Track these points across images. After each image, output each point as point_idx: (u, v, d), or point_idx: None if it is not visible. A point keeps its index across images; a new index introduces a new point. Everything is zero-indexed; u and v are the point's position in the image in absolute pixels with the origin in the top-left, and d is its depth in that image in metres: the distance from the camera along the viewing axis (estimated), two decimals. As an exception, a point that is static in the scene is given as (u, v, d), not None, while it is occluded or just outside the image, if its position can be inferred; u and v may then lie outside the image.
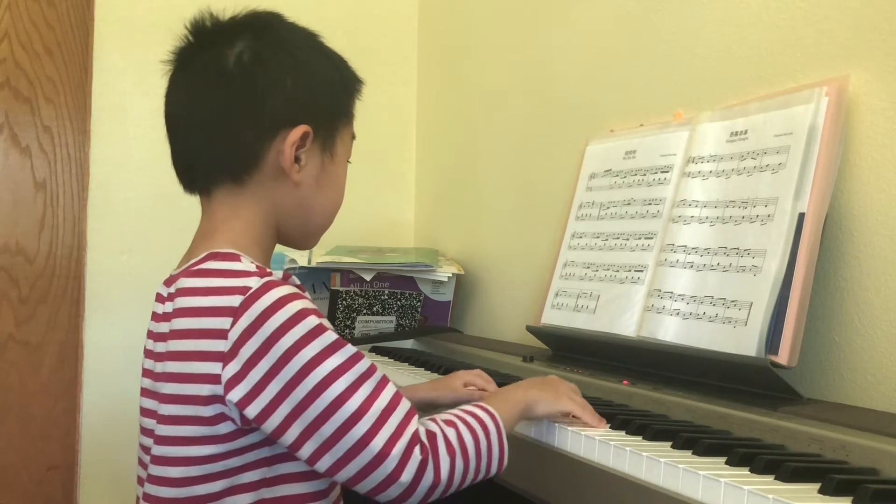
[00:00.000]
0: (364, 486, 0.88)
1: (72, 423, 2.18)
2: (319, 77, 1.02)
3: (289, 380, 0.86)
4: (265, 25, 1.02)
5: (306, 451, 0.87)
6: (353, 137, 1.08)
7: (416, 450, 0.87)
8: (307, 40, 1.04)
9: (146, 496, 0.94)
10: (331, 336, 0.89)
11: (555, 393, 1.02)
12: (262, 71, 0.98)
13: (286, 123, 0.98)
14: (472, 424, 0.92)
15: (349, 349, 0.89)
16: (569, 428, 0.96)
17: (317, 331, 0.88)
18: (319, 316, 0.90)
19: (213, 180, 1.00)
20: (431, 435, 0.89)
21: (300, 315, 0.88)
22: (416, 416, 0.89)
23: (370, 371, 0.89)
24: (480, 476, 0.92)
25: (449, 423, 0.92)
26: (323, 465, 0.87)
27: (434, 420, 0.92)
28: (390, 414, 0.87)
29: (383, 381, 0.90)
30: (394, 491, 0.87)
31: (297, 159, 0.99)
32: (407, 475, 0.86)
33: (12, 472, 2.15)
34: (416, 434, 0.88)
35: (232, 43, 0.99)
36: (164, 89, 1.04)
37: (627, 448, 0.85)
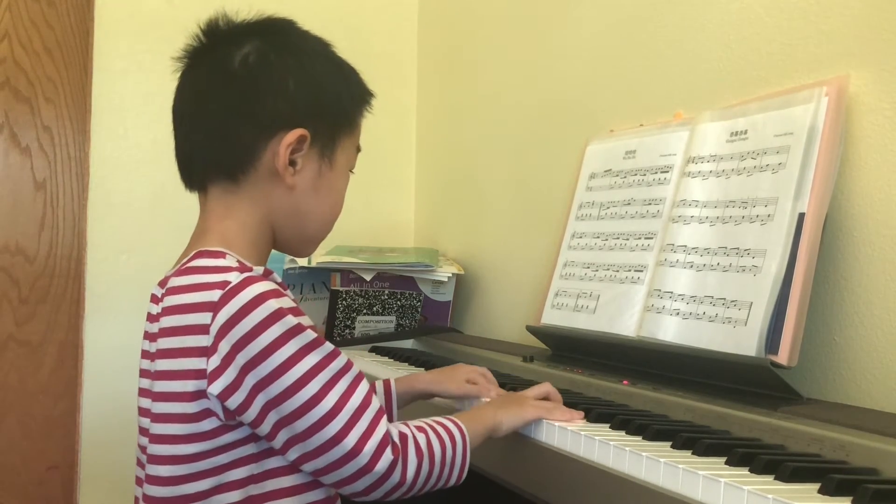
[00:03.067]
0: (330, 478, 0.91)
1: (72, 423, 2.18)
2: (324, 84, 1.02)
3: (264, 376, 0.88)
4: (276, 30, 1.04)
5: (279, 441, 0.90)
6: (359, 150, 1.08)
7: (388, 449, 0.89)
8: (317, 47, 1.05)
9: (145, 497, 0.95)
10: (308, 335, 0.90)
11: (519, 406, 1.04)
12: (265, 72, 0.99)
13: (285, 125, 0.99)
14: (441, 434, 0.95)
15: (326, 347, 0.91)
16: (569, 428, 0.96)
17: (294, 330, 0.89)
18: (297, 314, 0.91)
19: (209, 177, 1.01)
20: (403, 436, 0.92)
21: (278, 314, 0.89)
22: (385, 416, 0.92)
23: (345, 368, 0.91)
24: (440, 484, 0.95)
25: (420, 428, 0.95)
26: (292, 455, 0.91)
27: (406, 424, 0.95)
28: (363, 413, 0.90)
29: (358, 379, 0.92)
30: (360, 484, 0.90)
31: (292, 163, 1.00)
32: (378, 470, 0.89)
33: (12, 472, 2.15)
34: (387, 433, 0.90)
35: (241, 44, 1.00)
36: (171, 85, 1.05)
37: (627, 448, 0.85)
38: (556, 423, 0.99)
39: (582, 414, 1.03)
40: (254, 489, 0.92)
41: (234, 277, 0.91)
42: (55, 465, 2.18)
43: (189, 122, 1.02)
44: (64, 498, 2.18)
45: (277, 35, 1.03)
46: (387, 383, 1.23)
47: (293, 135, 0.98)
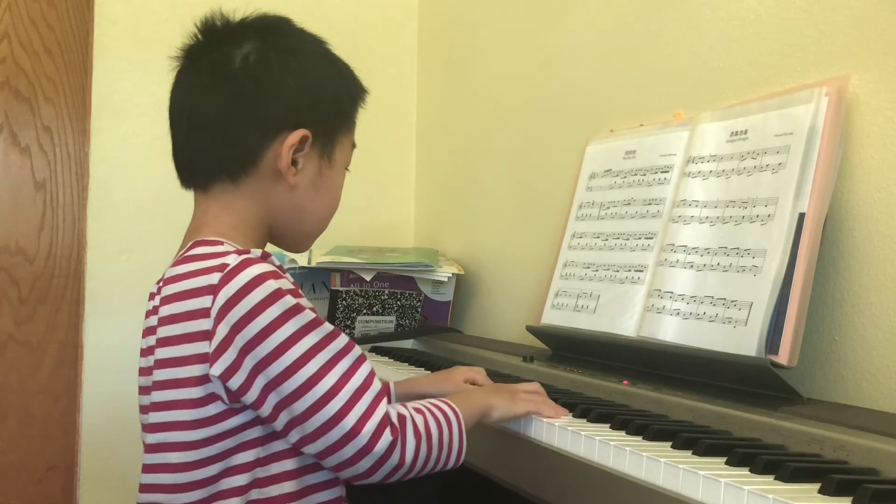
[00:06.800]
0: (331, 461, 0.91)
1: (72, 423, 2.18)
2: (323, 83, 1.03)
3: (263, 357, 0.88)
4: (274, 29, 1.04)
5: (279, 423, 0.91)
6: (354, 146, 1.09)
7: (387, 430, 0.89)
8: (315, 46, 1.06)
9: (143, 486, 0.95)
10: (307, 315, 0.91)
11: (511, 398, 1.04)
12: (266, 73, 1.00)
13: (286, 126, 0.99)
14: (438, 416, 0.95)
15: (325, 327, 0.91)
16: (569, 428, 0.96)
17: (294, 310, 0.90)
18: (297, 295, 0.92)
19: (210, 177, 1.02)
20: (402, 418, 0.92)
21: (277, 294, 0.90)
22: (386, 398, 0.93)
23: (346, 349, 0.91)
24: (439, 466, 0.95)
25: (418, 410, 0.95)
26: (293, 437, 0.91)
27: (404, 405, 0.95)
28: (363, 393, 0.90)
29: (359, 360, 0.92)
30: (361, 466, 0.90)
31: (294, 162, 1.00)
32: (377, 450, 0.89)
33: (12, 472, 2.15)
34: (386, 414, 0.90)
35: (240, 44, 1.01)
36: (170, 85, 1.05)
37: (627, 448, 0.85)
38: (557, 423, 0.99)
39: (567, 411, 1.04)
40: (260, 472, 0.93)
41: (232, 260, 0.91)
42: (55, 465, 2.18)
43: (189, 121, 1.02)
44: (64, 498, 2.18)
45: (276, 34, 1.03)
46: (385, 386, 1.23)
47: (296, 135, 0.99)
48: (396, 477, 0.92)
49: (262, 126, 0.99)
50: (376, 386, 0.91)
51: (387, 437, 0.89)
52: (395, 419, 0.91)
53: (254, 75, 0.99)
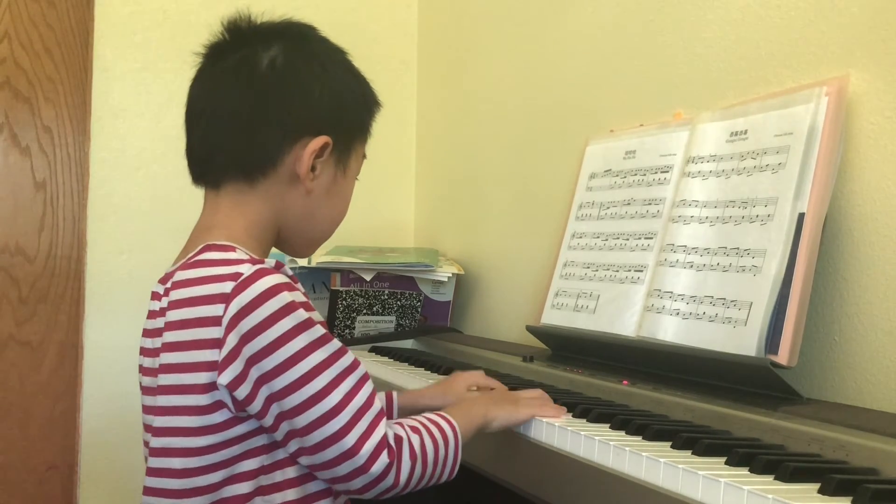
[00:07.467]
0: (326, 475, 0.92)
1: (72, 423, 2.18)
2: (346, 92, 1.05)
3: (269, 370, 0.88)
4: (300, 35, 1.06)
5: (280, 433, 0.91)
6: (364, 157, 1.11)
7: (385, 452, 0.90)
8: (338, 55, 1.08)
9: (147, 489, 0.95)
10: (318, 330, 0.91)
11: (513, 405, 1.05)
12: (292, 78, 1.01)
13: (308, 132, 1.00)
14: (435, 434, 0.96)
15: (334, 344, 0.92)
16: (569, 428, 0.96)
17: (305, 324, 0.90)
18: (308, 309, 0.92)
19: (225, 175, 1.02)
20: (399, 439, 0.92)
21: (290, 307, 0.90)
22: (385, 419, 0.93)
23: (352, 367, 0.92)
24: (432, 482, 0.96)
25: (415, 429, 0.95)
26: (291, 447, 0.92)
27: (401, 424, 0.95)
28: (364, 413, 0.90)
29: (363, 379, 0.92)
30: (355, 483, 0.90)
31: (312, 168, 1.01)
32: (373, 471, 0.89)
33: (12, 472, 2.15)
34: (385, 436, 0.91)
35: (266, 46, 1.02)
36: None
37: (627, 448, 0.85)
38: (557, 423, 0.99)
39: (566, 409, 1.05)
40: (264, 479, 0.93)
41: (247, 269, 0.91)
42: (55, 465, 2.18)
43: (210, 118, 1.02)
44: (64, 498, 2.18)
45: (301, 40, 1.05)
46: (389, 395, 1.22)
47: (318, 142, 1.00)
48: (390, 495, 0.93)
49: (284, 129, 1.00)
50: (377, 406, 0.92)
51: (383, 459, 0.89)
52: (392, 440, 0.91)
53: (280, 79, 1.00)
